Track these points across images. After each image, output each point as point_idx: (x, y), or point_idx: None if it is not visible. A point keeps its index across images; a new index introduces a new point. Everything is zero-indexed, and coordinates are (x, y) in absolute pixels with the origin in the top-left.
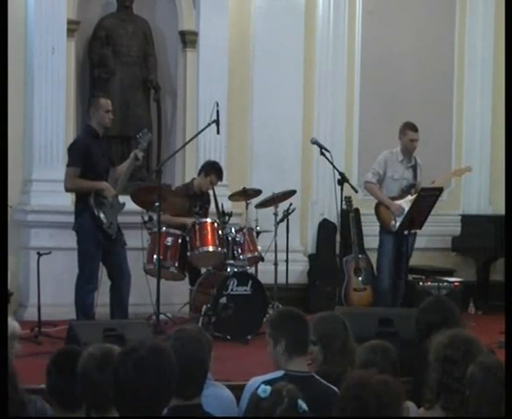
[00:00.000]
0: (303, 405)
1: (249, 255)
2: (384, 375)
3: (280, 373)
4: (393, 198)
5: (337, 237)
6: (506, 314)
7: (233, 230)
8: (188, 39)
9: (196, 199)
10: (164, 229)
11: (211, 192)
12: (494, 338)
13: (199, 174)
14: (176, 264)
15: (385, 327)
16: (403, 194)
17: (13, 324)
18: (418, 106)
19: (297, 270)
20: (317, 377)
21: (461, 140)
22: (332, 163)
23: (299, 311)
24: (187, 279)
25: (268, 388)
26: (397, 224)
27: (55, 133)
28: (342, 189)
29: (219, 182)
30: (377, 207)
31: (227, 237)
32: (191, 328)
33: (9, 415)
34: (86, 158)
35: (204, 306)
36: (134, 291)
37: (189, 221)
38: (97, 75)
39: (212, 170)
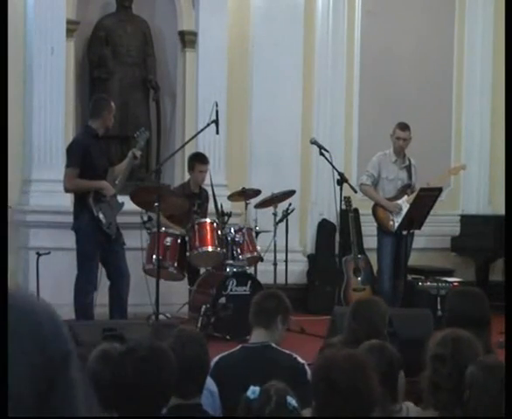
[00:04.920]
0: (292, 401)
1: (248, 255)
2: (348, 350)
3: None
4: (390, 199)
5: (336, 237)
6: (506, 314)
7: (232, 230)
8: (187, 39)
9: (194, 198)
10: (164, 229)
11: (210, 192)
12: (493, 338)
13: (189, 172)
14: (176, 264)
15: None
16: (399, 194)
17: None
18: (417, 107)
19: (296, 270)
20: (274, 346)
21: (460, 140)
22: (331, 163)
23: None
24: (186, 279)
25: (257, 388)
26: (396, 224)
27: (54, 134)
28: (341, 189)
29: (208, 168)
30: (374, 208)
31: (226, 237)
32: (191, 329)
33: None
34: (85, 158)
35: (204, 306)
36: (133, 291)
37: (179, 231)
38: (96, 75)
39: (193, 161)
